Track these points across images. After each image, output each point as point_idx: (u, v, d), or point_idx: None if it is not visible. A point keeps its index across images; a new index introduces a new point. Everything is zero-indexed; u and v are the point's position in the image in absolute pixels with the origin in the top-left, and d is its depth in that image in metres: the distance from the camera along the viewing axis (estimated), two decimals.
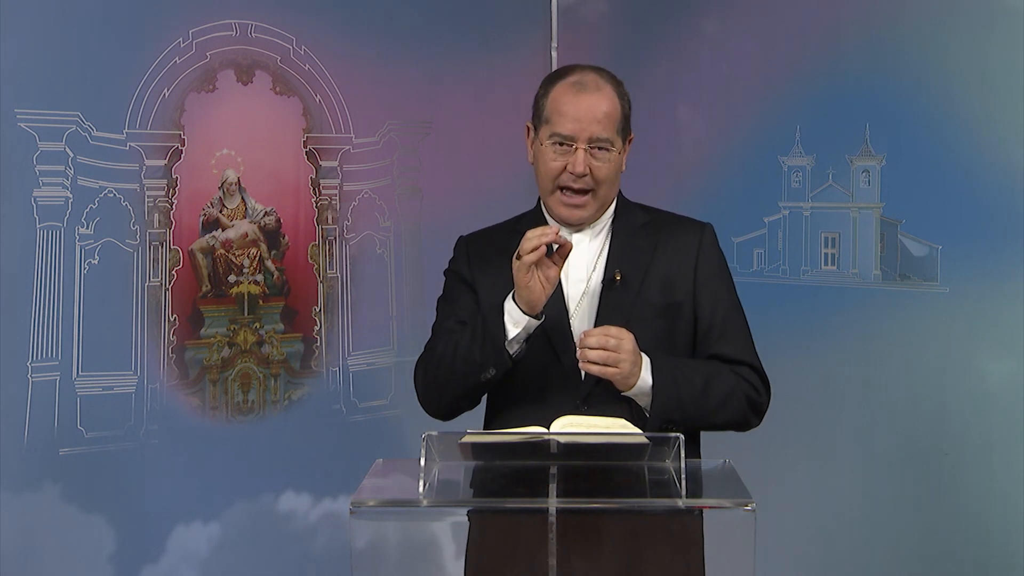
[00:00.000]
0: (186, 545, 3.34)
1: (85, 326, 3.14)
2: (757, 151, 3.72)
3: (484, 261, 2.46)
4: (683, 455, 1.97)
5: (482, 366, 2.30)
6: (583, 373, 2.32)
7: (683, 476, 1.95)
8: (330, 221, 3.62)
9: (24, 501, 3.04)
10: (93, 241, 3.17)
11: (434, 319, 2.51)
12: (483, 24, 3.87)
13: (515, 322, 2.28)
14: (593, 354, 2.23)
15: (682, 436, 2.00)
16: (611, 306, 2.33)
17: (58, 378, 3.11)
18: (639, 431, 2.18)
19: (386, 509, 2.00)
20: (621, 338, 2.24)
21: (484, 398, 2.47)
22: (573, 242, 2.35)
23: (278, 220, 3.53)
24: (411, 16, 3.73)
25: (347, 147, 3.65)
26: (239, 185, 3.44)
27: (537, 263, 2.24)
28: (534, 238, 2.22)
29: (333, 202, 3.62)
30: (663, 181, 3.85)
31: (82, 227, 3.15)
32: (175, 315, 3.33)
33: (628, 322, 2.30)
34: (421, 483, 1.99)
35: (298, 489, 3.54)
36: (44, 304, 3.08)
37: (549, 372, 2.36)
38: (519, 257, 2.23)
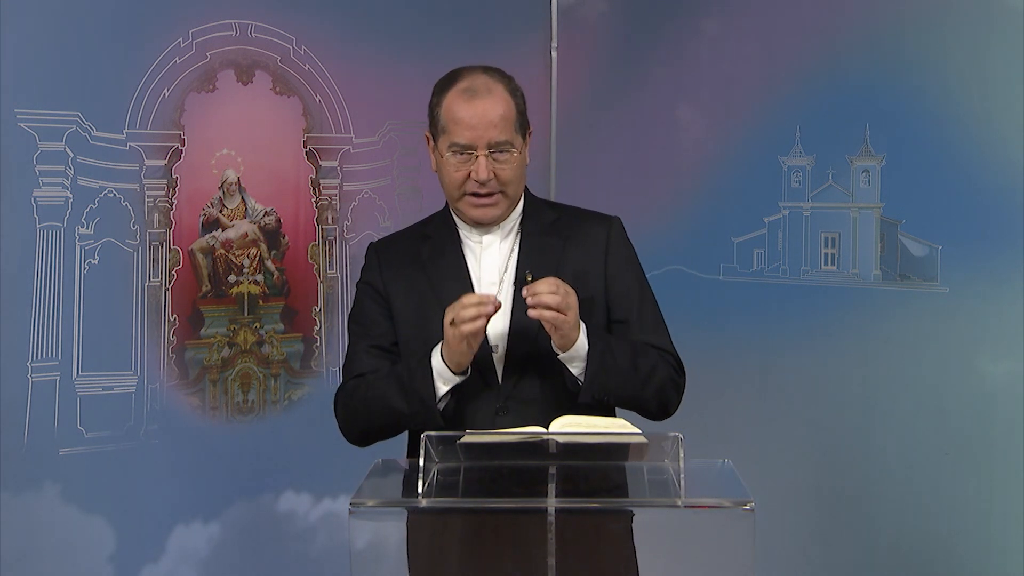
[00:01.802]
0: (186, 545, 3.34)
1: (85, 326, 3.14)
2: (757, 151, 3.72)
3: (395, 269, 2.45)
4: (683, 455, 1.97)
5: (410, 419, 2.31)
6: (500, 376, 2.33)
7: (683, 476, 1.95)
8: (330, 221, 3.62)
9: (24, 501, 3.04)
10: (93, 241, 3.17)
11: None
12: (483, 24, 3.87)
13: (445, 381, 2.28)
14: (548, 298, 2.20)
15: (681, 436, 2.00)
16: (524, 306, 2.28)
17: (58, 378, 3.11)
18: (639, 431, 2.18)
19: (386, 509, 2.00)
20: (568, 291, 2.23)
21: None
22: (484, 243, 2.38)
23: (278, 220, 3.53)
24: (411, 16, 3.73)
25: (347, 147, 3.65)
26: (239, 185, 3.45)
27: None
28: (472, 309, 2.20)
29: (333, 202, 3.63)
30: (663, 181, 3.86)
31: (82, 227, 3.15)
32: (175, 315, 3.33)
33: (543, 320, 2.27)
34: (421, 483, 1.99)
35: (298, 489, 3.54)
36: (44, 304, 3.08)
37: (469, 379, 2.33)
38: (453, 324, 2.21)
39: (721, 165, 3.80)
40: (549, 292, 2.21)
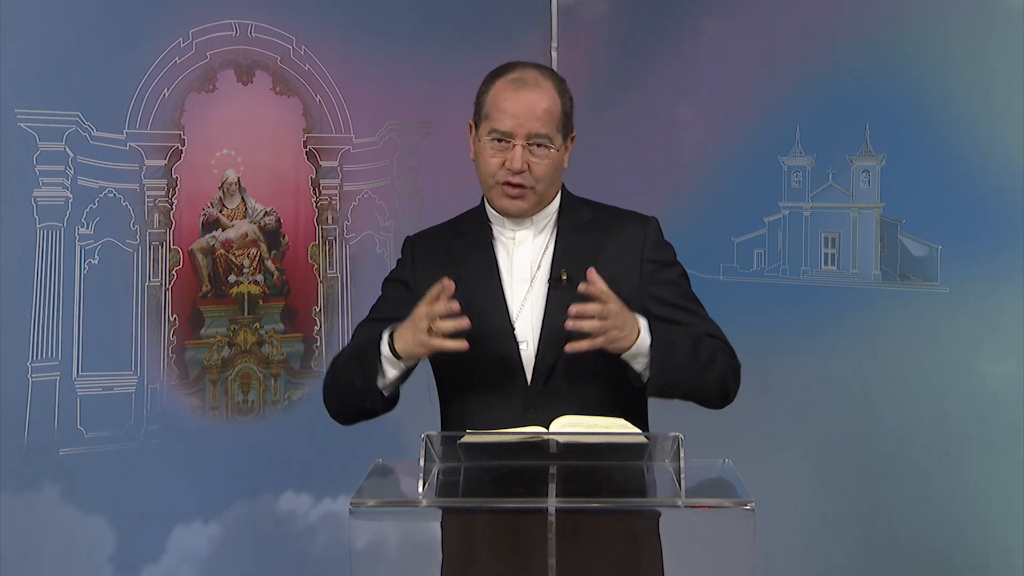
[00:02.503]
0: (186, 545, 3.34)
1: (85, 326, 3.14)
2: (757, 151, 3.72)
3: (427, 264, 2.44)
4: (683, 455, 1.97)
5: (363, 397, 2.31)
6: (529, 375, 2.33)
7: (683, 476, 1.95)
8: (330, 221, 3.62)
9: (24, 501, 3.04)
10: (93, 241, 3.17)
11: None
12: (483, 24, 3.87)
13: (393, 365, 2.28)
14: (587, 325, 2.18)
15: (682, 436, 1.99)
16: (557, 306, 2.28)
17: (58, 378, 3.11)
18: (639, 431, 2.18)
19: (386, 509, 2.00)
20: (608, 295, 2.21)
21: (436, 400, 2.47)
22: (517, 240, 2.38)
23: (278, 220, 3.53)
24: (411, 16, 3.73)
25: (347, 147, 3.65)
26: (239, 185, 3.45)
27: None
28: (451, 323, 2.18)
29: (333, 202, 3.63)
30: (663, 181, 3.86)
31: (82, 227, 3.15)
32: (175, 315, 3.33)
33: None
34: (421, 483, 1.98)
35: (298, 489, 3.54)
36: (44, 304, 3.08)
37: (496, 376, 2.33)
38: (430, 331, 2.19)
39: (721, 165, 3.80)
40: (591, 317, 2.19)
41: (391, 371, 2.28)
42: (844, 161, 3.56)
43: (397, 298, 2.42)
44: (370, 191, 3.71)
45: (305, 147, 3.57)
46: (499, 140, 2.33)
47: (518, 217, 2.39)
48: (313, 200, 3.59)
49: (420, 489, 1.98)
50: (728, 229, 3.76)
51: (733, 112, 3.77)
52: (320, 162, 3.60)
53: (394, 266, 2.53)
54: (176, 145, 3.32)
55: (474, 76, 3.87)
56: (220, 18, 3.38)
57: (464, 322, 2.19)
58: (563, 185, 2.46)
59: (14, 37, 3.00)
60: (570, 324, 2.19)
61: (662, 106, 3.91)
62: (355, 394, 2.32)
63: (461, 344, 2.20)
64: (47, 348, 3.09)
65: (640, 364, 2.27)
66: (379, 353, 2.27)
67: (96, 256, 3.18)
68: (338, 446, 3.57)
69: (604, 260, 2.35)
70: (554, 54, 4.04)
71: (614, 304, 2.21)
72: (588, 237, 2.40)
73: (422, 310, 2.21)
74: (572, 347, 2.21)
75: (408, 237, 2.53)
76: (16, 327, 3.03)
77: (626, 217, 2.46)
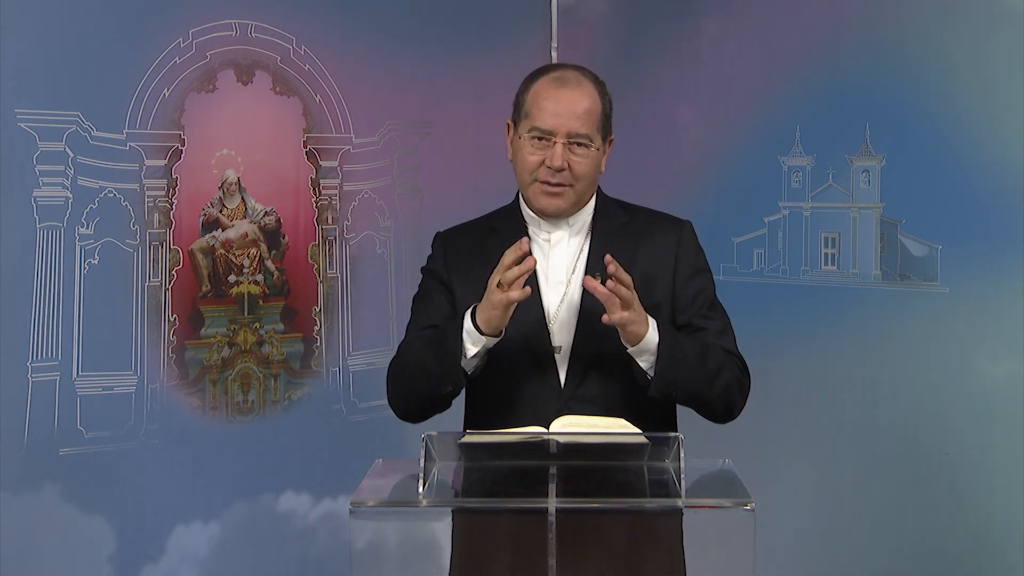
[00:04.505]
0: (186, 545, 3.34)
1: (85, 326, 3.14)
2: (757, 151, 3.72)
3: (460, 261, 2.45)
4: (683, 455, 1.97)
5: (441, 381, 2.31)
6: (563, 377, 2.33)
7: (683, 476, 1.95)
8: (330, 221, 3.62)
9: (24, 501, 3.04)
10: (93, 241, 3.17)
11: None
12: (483, 24, 3.88)
13: (474, 341, 2.28)
14: (623, 291, 2.21)
15: (682, 436, 2.00)
16: (593, 307, 2.29)
17: (58, 378, 3.11)
18: (639, 431, 2.18)
19: (386, 509, 2.00)
20: (627, 280, 2.23)
21: (463, 401, 2.46)
22: (552, 241, 2.38)
23: (278, 220, 3.53)
24: (411, 16, 3.73)
25: (347, 147, 3.65)
26: (239, 185, 3.45)
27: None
28: (515, 270, 2.21)
29: (333, 202, 3.63)
30: (663, 181, 3.86)
31: (82, 227, 3.14)
32: (175, 315, 3.33)
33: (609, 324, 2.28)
34: (421, 483, 1.99)
35: (298, 489, 3.54)
36: (44, 304, 3.08)
37: (528, 378, 2.35)
38: (500, 286, 2.22)
39: (721, 165, 3.80)
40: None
41: (471, 348, 2.27)
42: (844, 161, 3.56)
43: (442, 296, 2.44)
44: (370, 191, 3.71)
45: (305, 147, 3.57)
46: (539, 138, 2.34)
47: (555, 216, 2.40)
48: (313, 200, 3.59)
49: (420, 489, 1.98)
50: (728, 229, 3.76)
51: (733, 112, 3.77)
52: (320, 162, 3.60)
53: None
54: (176, 145, 3.32)
55: (474, 76, 3.90)
56: (220, 18, 3.38)
57: (530, 263, 2.21)
58: (599, 188, 2.46)
59: (14, 37, 3.00)
60: (588, 282, 2.21)
61: (662, 106, 3.91)
62: (433, 379, 2.31)
63: (525, 291, 2.21)
64: (47, 348, 3.09)
65: (647, 362, 2.28)
66: (461, 328, 2.27)
67: (96, 256, 3.18)
68: (338, 446, 3.59)
69: (639, 263, 2.37)
70: (554, 54, 4.04)
71: (630, 290, 2.23)
72: (623, 240, 2.41)
73: (496, 272, 2.23)
74: (589, 281, 2.21)
75: (438, 233, 2.53)
76: (16, 327, 3.03)
77: (661, 220, 2.48)
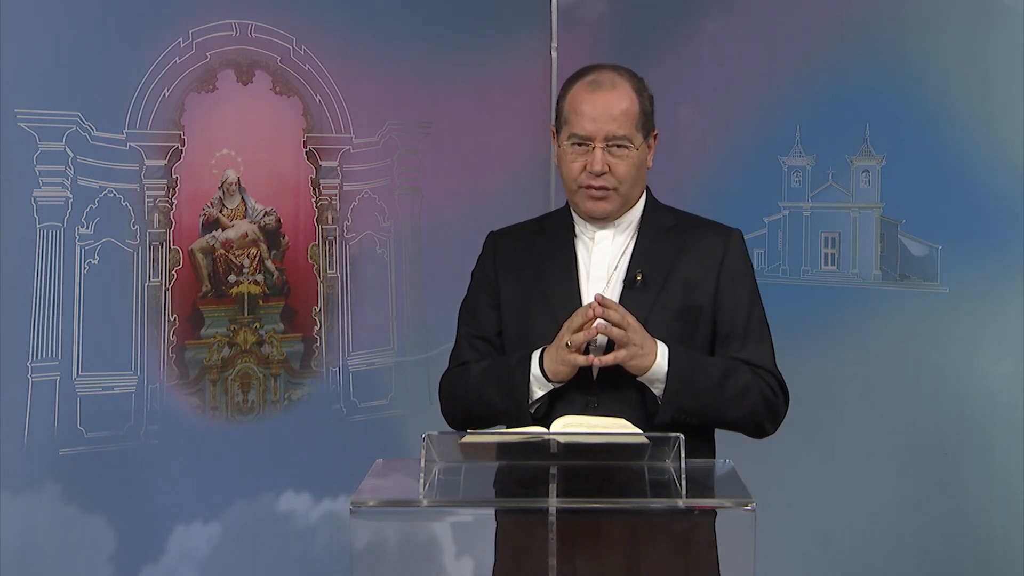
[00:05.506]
0: (186, 545, 3.34)
1: (85, 326, 3.14)
2: (757, 151, 3.72)
3: (508, 259, 2.48)
4: (683, 455, 1.97)
5: (507, 417, 2.34)
6: (595, 373, 2.34)
7: (683, 476, 1.95)
8: (330, 221, 3.62)
9: (24, 501, 3.03)
10: (93, 241, 3.17)
11: (457, 322, 2.54)
12: (483, 24, 3.87)
13: (541, 386, 2.32)
14: (612, 315, 2.25)
15: (682, 436, 1.99)
16: (630, 306, 2.31)
17: (58, 378, 3.11)
18: (639, 431, 2.18)
19: (386, 509, 2.00)
20: (626, 314, 2.27)
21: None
22: (596, 239, 2.40)
23: (278, 220, 3.53)
24: (411, 16, 3.73)
25: (347, 147, 3.65)
26: (239, 185, 3.44)
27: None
28: (582, 335, 2.25)
29: (333, 202, 3.62)
30: (663, 181, 3.83)
31: (82, 227, 3.14)
32: (175, 315, 3.33)
33: (646, 323, 2.30)
34: (421, 483, 1.98)
35: (298, 489, 3.54)
36: (44, 304, 3.07)
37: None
38: (568, 346, 2.26)
39: (721, 165, 3.80)
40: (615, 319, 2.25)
41: (538, 391, 2.32)
42: (844, 161, 3.56)
43: (487, 304, 2.47)
44: (370, 191, 3.71)
45: (305, 147, 3.57)
46: (579, 144, 2.36)
47: (603, 219, 2.41)
48: (313, 200, 3.59)
49: (420, 489, 1.98)
50: None
51: (733, 112, 3.77)
52: (320, 162, 3.59)
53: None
54: (176, 145, 3.32)
55: (474, 76, 3.90)
56: (220, 18, 3.38)
57: (596, 330, 2.25)
58: (649, 189, 2.48)
59: (14, 37, 3.00)
60: (594, 310, 2.25)
61: (662, 106, 3.89)
62: (498, 413, 2.36)
63: (589, 359, 2.26)
64: (47, 348, 3.09)
65: (658, 389, 2.30)
66: (528, 371, 2.31)
67: (96, 256, 3.17)
68: (338, 446, 3.58)
69: (682, 266, 2.39)
70: (554, 54, 4.04)
71: (633, 321, 2.26)
72: (667, 242, 2.42)
73: (564, 331, 2.27)
74: (599, 360, 2.26)
75: (491, 232, 2.56)
76: (16, 327, 3.03)
77: (709, 227, 2.48)
